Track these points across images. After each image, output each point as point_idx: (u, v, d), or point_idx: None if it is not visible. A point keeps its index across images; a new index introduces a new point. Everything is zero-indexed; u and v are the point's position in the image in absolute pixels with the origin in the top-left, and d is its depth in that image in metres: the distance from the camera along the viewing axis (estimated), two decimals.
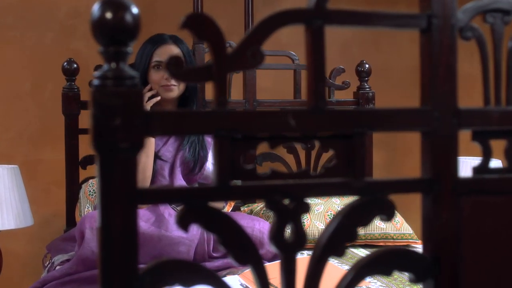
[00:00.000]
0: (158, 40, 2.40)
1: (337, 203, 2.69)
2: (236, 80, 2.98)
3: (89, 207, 2.65)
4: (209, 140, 2.50)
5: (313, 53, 0.72)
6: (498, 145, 0.82)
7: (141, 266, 0.64)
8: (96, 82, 0.66)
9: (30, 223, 2.75)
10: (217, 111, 0.70)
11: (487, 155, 0.80)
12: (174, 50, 2.38)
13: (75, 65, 2.74)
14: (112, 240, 0.65)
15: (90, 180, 2.75)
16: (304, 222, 2.40)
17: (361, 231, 2.53)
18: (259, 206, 2.78)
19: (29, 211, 2.75)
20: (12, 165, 2.74)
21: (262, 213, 2.66)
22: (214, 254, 2.24)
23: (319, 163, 3.01)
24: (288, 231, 0.72)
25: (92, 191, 2.70)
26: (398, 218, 2.68)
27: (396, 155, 3.55)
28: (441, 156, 0.76)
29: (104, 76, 0.66)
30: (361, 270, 0.74)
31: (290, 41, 3.03)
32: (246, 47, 0.70)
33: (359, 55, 3.25)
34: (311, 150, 3.02)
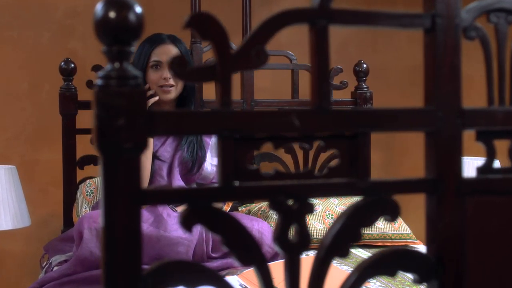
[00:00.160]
0: (156, 40, 2.39)
1: (335, 203, 2.68)
2: (234, 80, 2.97)
3: (86, 208, 2.64)
4: (207, 140, 2.50)
5: (317, 53, 0.72)
6: (498, 145, 0.82)
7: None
8: (99, 82, 0.65)
9: (27, 224, 2.74)
10: (222, 111, 0.69)
11: (491, 155, 0.80)
12: (172, 50, 2.38)
13: (72, 65, 2.73)
14: (116, 240, 0.65)
15: (88, 180, 2.74)
16: None
17: None
18: (256, 206, 2.78)
19: (26, 211, 2.74)
20: (9, 166, 2.73)
21: (260, 213, 2.65)
22: (213, 255, 2.24)
23: (317, 163, 3.00)
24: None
25: (89, 191, 2.69)
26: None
27: (393, 155, 3.54)
28: (445, 156, 0.75)
29: (108, 76, 0.65)
30: (365, 271, 0.74)
31: (288, 41, 3.03)
32: (251, 46, 0.70)
33: (357, 55, 3.25)
34: (309, 150, 3.01)
